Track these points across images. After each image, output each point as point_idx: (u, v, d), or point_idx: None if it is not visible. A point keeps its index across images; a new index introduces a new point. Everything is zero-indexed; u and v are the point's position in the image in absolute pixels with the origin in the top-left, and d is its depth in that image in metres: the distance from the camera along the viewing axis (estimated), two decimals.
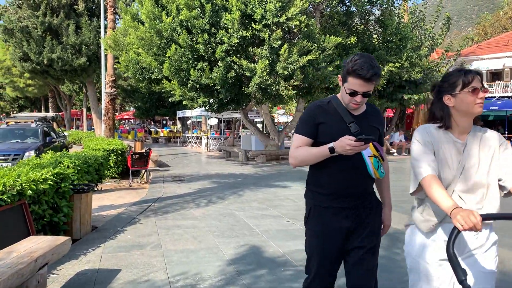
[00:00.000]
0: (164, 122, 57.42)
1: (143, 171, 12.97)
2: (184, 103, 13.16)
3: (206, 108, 13.89)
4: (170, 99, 13.81)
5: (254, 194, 8.62)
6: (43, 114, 15.98)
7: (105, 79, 17.24)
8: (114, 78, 17.19)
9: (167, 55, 12.01)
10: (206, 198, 8.22)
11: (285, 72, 11.72)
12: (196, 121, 49.86)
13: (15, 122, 14.26)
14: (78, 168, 8.30)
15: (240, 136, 33.09)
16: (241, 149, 16.83)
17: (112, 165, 13.13)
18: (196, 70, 12.34)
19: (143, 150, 12.84)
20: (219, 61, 12.28)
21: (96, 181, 9.71)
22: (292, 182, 10.36)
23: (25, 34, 20.11)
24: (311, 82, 12.49)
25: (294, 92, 12.55)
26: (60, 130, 17.09)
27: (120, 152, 13.32)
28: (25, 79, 29.39)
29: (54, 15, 20.41)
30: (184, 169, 13.57)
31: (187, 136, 26.21)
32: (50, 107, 38.30)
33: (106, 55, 17.10)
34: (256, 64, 11.99)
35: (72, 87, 30.87)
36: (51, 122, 15.65)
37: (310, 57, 11.63)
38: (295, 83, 12.12)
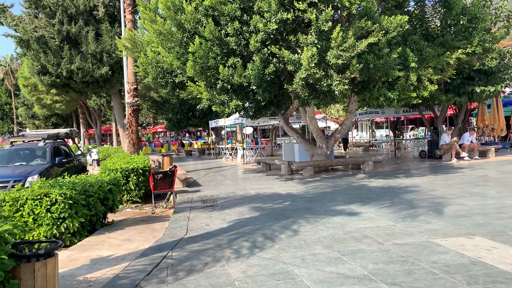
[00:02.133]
0: (198, 133, 55.83)
1: (169, 193, 10.73)
2: (214, 108, 10.84)
3: (241, 113, 11.52)
4: (198, 106, 11.55)
5: (314, 230, 6.08)
6: (55, 130, 14.09)
7: (127, 87, 15.25)
8: (135, 86, 15.20)
9: (189, 49, 9.74)
10: (247, 239, 5.76)
11: (339, 61, 9.17)
12: (231, 130, 47.91)
13: (22, 141, 12.39)
14: (70, 201, 6.07)
15: (279, 145, 30.64)
16: (284, 161, 14.31)
17: (133, 187, 10.99)
18: (226, 68, 10.00)
19: (168, 169, 10.57)
20: (254, 55, 9.89)
21: (103, 213, 7.49)
22: (361, 206, 7.74)
23: (42, 45, 18.58)
24: (371, 73, 9.87)
25: (349, 87, 9.96)
26: (79, 148, 15.14)
27: (141, 171, 11.17)
28: (51, 96, 28.24)
29: (72, 23, 18.78)
30: (217, 189, 11.20)
31: (221, 148, 23.99)
32: (81, 124, 37.29)
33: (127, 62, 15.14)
34: (301, 54, 9.52)
35: (100, 101, 29.46)
36: (65, 139, 13.71)
37: (370, 40, 9.03)
38: (352, 75, 9.54)
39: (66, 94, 22.73)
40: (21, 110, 46.28)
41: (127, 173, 10.94)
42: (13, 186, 9.71)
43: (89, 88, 20.12)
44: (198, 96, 10.72)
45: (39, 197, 6.02)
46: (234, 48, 10.15)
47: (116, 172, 10.88)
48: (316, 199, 8.80)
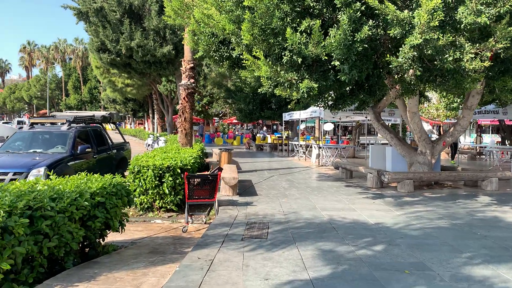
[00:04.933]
0: (275, 126, 53.10)
1: (210, 206, 7.91)
2: (277, 92, 7.73)
3: (315, 100, 8.31)
4: (259, 90, 8.51)
5: None
6: (90, 113, 11.93)
7: (183, 66, 12.72)
8: (192, 64, 12.61)
9: (245, 2, 6.74)
10: None
11: (480, 20, 5.59)
12: (310, 126, 44.38)
13: (42, 123, 10.26)
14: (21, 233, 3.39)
15: (362, 145, 26.69)
16: (371, 169, 10.81)
17: (167, 192, 8.34)
18: (297, 33, 6.85)
19: (209, 172, 7.72)
20: (340, 13, 6.62)
21: (99, 235, 4.82)
22: None
23: (101, 18, 16.79)
24: None
25: (485, 67, 6.28)
26: (121, 134, 12.90)
27: (180, 170, 8.49)
28: (123, 79, 27.05)
29: None
30: (275, 203, 8.14)
31: (295, 145, 20.84)
32: (155, 111, 36.30)
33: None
34: (413, 11, 6.07)
35: (170, 86, 27.69)
36: (101, 123, 11.46)
37: None
38: (497, 46, 5.89)
39: (128, 74, 21.06)
40: (104, 94, 46.95)
41: (160, 172, 8.31)
42: (11, 180, 7.48)
43: (151, 69, 18.07)
44: (256, 74, 7.67)
45: None
46: (311, 4, 6.95)
47: (147, 170, 8.30)
48: (427, 243, 5.35)
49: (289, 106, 11.52)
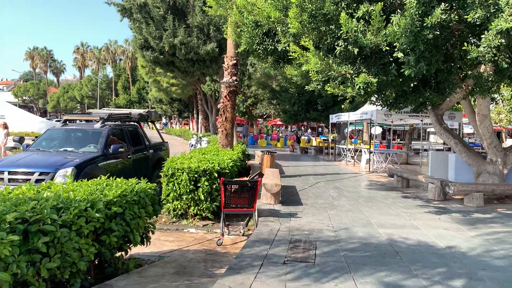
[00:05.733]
0: (320, 129, 51.69)
1: (249, 216, 7.05)
2: (328, 89, 6.73)
3: (374, 98, 7.24)
4: (307, 87, 7.57)
5: None
6: (126, 110, 11.41)
7: (225, 63, 11.98)
8: (235, 61, 11.84)
9: None
10: None
11: None
12: (356, 129, 42.66)
13: (77, 120, 9.78)
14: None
15: (416, 150, 24.94)
16: (433, 178, 9.54)
17: (203, 198, 7.58)
18: (353, 20, 5.86)
19: (248, 178, 6.85)
20: None
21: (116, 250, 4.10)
22: None
23: (144, 14, 16.40)
24: None
25: None
26: (160, 133, 12.33)
27: (216, 174, 7.72)
28: (168, 78, 26.85)
29: None
30: (323, 215, 7.15)
31: (342, 148, 19.63)
32: (199, 111, 36.11)
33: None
34: None
35: (214, 86, 27.18)
36: (138, 122, 10.89)
37: None
38: None
39: (172, 73, 20.68)
40: (151, 94, 47.51)
41: (196, 176, 7.55)
42: (38, 180, 6.98)
43: (195, 68, 17.52)
44: (303, 68, 6.72)
45: None
46: None
47: (182, 173, 7.56)
48: None
49: (342, 106, 10.49)
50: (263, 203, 7.95)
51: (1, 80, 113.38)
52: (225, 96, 11.82)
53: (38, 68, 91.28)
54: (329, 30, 6.27)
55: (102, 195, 4.15)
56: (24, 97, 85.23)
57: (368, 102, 8.96)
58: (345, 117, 17.49)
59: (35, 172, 7.08)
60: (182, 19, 16.73)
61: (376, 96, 7.60)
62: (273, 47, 8.30)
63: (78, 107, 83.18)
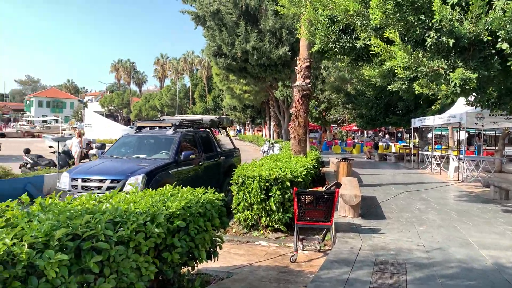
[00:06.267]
0: (399, 134, 49.09)
1: (325, 230, 6.41)
2: (415, 87, 5.89)
3: (474, 98, 6.26)
4: (389, 87, 6.80)
5: None
6: (198, 117, 11.25)
7: (298, 66, 11.45)
8: (308, 63, 11.28)
9: None
10: None
11: None
12: (441, 134, 39.77)
13: (149, 127, 9.75)
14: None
15: (509, 157, 22.47)
16: None
17: (274, 208, 7.09)
18: (446, 6, 5.05)
19: (324, 188, 6.20)
20: None
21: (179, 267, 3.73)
22: None
23: (217, 21, 16.38)
24: None
25: None
26: (231, 140, 12.05)
27: (289, 183, 7.21)
28: (241, 85, 26.91)
29: None
30: (411, 232, 6.29)
31: (426, 155, 18.12)
32: (271, 117, 35.93)
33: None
34: None
35: (286, 91, 26.70)
36: (210, 128, 10.67)
37: None
38: None
39: (244, 79, 20.55)
40: (225, 102, 48.34)
41: (267, 184, 7.08)
42: (108, 188, 6.92)
43: (267, 73, 17.19)
44: (387, 65, 5.96)
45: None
46: None
47: (252, 181, 7.13)
48: None
49: (433, 108, 9.46)
50: (341, 215, 7.24)
51: (90, 91, 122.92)
52: (298, 100, 11.27)
53: (122, 79, 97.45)
54: (418, 20, 5.48)
55: (164, 207, 3.78)
56: (110, 107, 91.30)
57: (464, 102, 7.89)
58: (429, 121, 16.08)
59: (106, 179, 7.04)
60: (254, 24, 16.51)
61: (474, 94, 6.59)
62: (350, 45, 7.62)
63: (159, 115, 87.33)
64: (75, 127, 66.60)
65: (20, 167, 13.99)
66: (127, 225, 3.25)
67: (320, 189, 6.36)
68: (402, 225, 6.74)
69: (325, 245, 6.65)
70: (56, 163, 13.72)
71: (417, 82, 5.89)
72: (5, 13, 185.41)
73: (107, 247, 2.96)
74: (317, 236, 6.90)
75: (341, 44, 7.71)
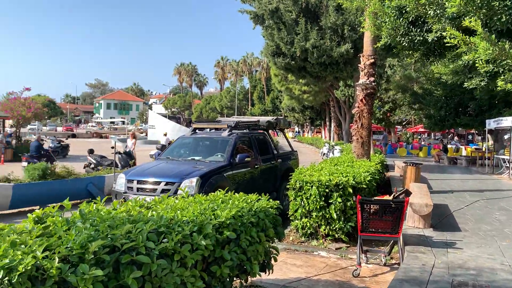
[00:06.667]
0: (470, 136, 45.96)
1: (392, 242, 5.83)
2: (499, 83, 5.12)
3: None
4: (465, 84, 6.05)
5: None
6: (254, 118, 10.91)
7: (361, 63, 10.82)
8: (373, 59, 10.63)
9: None
10: None
11: None
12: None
13: (206, 128, 9.55)
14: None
15: None
16: None
17: (335, 216, 6.62)
18: None
19: (391, 196, 5.60)
20: None
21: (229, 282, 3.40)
22: None
23: (276, 20, 16.01)
24: None
25: None
26: (288, 143, 11.61)
27: (352, 190, 6.70)
28: (300, 86, 26.39)
29: None
30: (492, 248, 5.52)
31: (502, 159, 16.58)
32: (332, 118, 35.04)
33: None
34: None
35: (348, 91, 25.77)
36: (267, 129, 10.32)
37: None
38: None
39: (304, 79, 19.98)
40: (283, 103, 48.00)
41: (327, 190, 6.60)
42: (163, 191, 6.78)
43: (327, 72, 16.54)
44: (465, 58, 5.26)
45: None
46: None
47: (311, 187, 6.67)
48: None
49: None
50: (409, 226, 6.58)
51: (155, 94, 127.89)
52: (361, 100, 10.62)
53: (184, 82, 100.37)
54: (503, 6, 4.76)
55: (213, 216, 3.45)
56: (172, 109, 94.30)
57: None
58: (507, 122, 14.66)
59: (161, 181, 6.91)
60: (314, 21, 15.96)
61: None
62: (421, 38, 6.95)
63: (219, 117, 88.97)
64: (140, 128, 69.50)
65: (84, 167, 14.50)
66: (171, 236, 2.95)
67: (386, 197, 5.78)
68: (480, 239, 5.97)
69: (391, 258, 6.06)
70: (118, 163, 14.07)
71: (501, 77, 5.14)
72: (81, 22, 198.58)
73: (148, 261, 2.66)
74: (382, 248, 6.31)
75: (410, 37, 7.06)
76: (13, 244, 2.32)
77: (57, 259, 2.25)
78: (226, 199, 4.09)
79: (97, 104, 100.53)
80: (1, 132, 22.92)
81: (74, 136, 51.56)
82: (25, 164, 13.46)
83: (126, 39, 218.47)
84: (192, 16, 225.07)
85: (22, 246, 2.34)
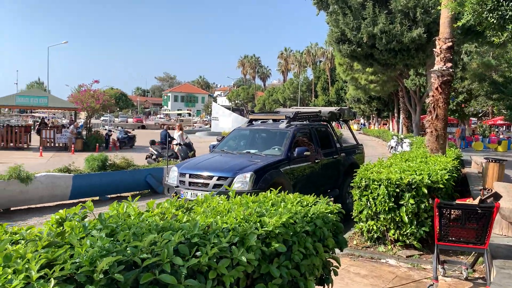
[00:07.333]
0: None
1: (476, 253, 4.94)
2: None
3: None
4: None
5: None
6: (315, 109, 10.16)
7: (437, 47, 9.70)
8: (451, 43, 9.49)
9: None
10: None
11: None
12: None
13: (262, 119, 8.99)
14: None
15: None
16: None
17: (406, 220, 5.84)
18: None
19: (477, 200, 4.71)
20: None
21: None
22: None
23: (341, 4, 15.02)
24: None
25: None
26: (353, 135, 10.76)
27: (426, 190, 5.86)
28: (366, 75, 25.05)
29: None
30: None
31: None
32: (400, 109, 33.20)
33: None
34: None
35: (419, 80, 24.01)
36: (329, 121, 9.56)
37: None
38: None
39: (370, 67, 18.76)
40: (348, 94, 46.37)
41: (397, 190, 5.81)
42: (215, 186, 6.37)
43: (397, 59, 15.29)
44: None
45: None
46: None
47: (378, 186, 5.91)
48: None
49: None
50: (496, 234, 5.62)
51: (220, 86, 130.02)
52: (436, 88, 9.51)
53: (248, 74, 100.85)
54: None
55: (259, 223, 2.89)
56: (236, 101, 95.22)
57: None
58: None
59: (213, 176, 6.48)
60: (383, 5, 14.80)
61: None
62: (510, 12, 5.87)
63: (279, 108, 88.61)
64: (205, 120, 70.79)
65: (146, 158, 14.61)
66: (205, 249, 2.42)
67: (469, 200, 4.90)
68: None
69: (473, 271, 5.17)
70: (178, 155, 14.00)
71: None
72: (151, 16, 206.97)
73: (173, 281, 2.15)
74: (462, 258, 5.44)
75: (500, 13, 6.00)
76: (7, 258, 1.91)
77: (53, 282, 1.80)
78: (278, 201, 3.51)
79: (165, 97, 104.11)
80: (73, 123, 24.06)
81: (143, 127, 53.57)
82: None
83: (193, 34, 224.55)
84: (256, 7, 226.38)
85: (19, 260, 1.92)
